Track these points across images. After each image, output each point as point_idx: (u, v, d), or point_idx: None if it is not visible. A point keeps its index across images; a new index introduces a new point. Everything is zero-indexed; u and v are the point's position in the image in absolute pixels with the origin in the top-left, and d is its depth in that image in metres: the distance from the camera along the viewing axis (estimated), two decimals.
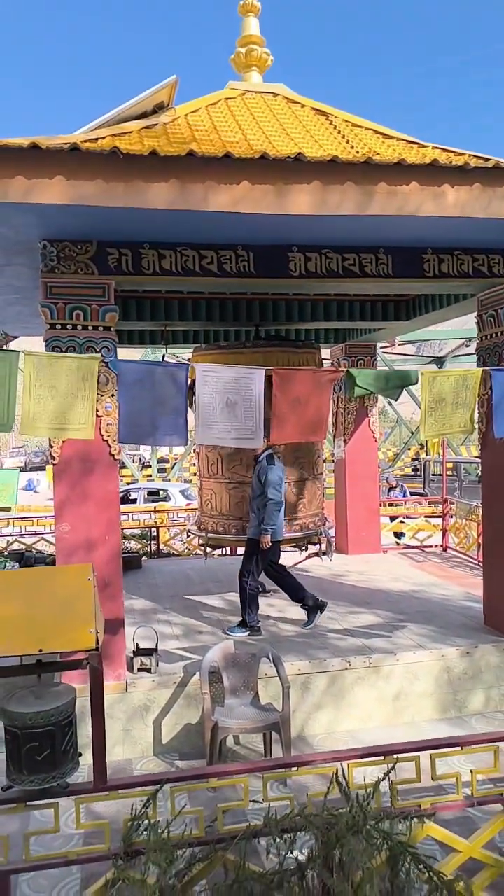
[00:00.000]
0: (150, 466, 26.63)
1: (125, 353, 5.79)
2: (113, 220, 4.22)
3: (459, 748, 3.11)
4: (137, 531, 10.56)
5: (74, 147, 3.77)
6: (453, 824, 3.35)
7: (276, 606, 6.49)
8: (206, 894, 2.88)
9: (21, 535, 10.82)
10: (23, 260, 4.89)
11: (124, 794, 2.82)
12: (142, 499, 15.84)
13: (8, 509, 15.12)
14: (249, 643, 4.98)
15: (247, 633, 5.57)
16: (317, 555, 7.01)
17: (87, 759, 3.18)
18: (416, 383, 4.07)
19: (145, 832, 2.76)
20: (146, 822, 2.75)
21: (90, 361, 3.13)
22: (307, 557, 7.37)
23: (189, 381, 3.54)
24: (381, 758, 2.97)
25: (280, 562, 5.97)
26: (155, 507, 12.37)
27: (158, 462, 26.29)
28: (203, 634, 5.68)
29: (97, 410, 4.50)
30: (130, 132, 4.68)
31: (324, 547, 6.65)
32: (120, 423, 3.24)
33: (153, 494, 16.37)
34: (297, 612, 6.19)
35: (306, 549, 7.01)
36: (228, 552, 9.10)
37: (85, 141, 4.03)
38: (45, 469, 30.46)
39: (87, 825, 2.85)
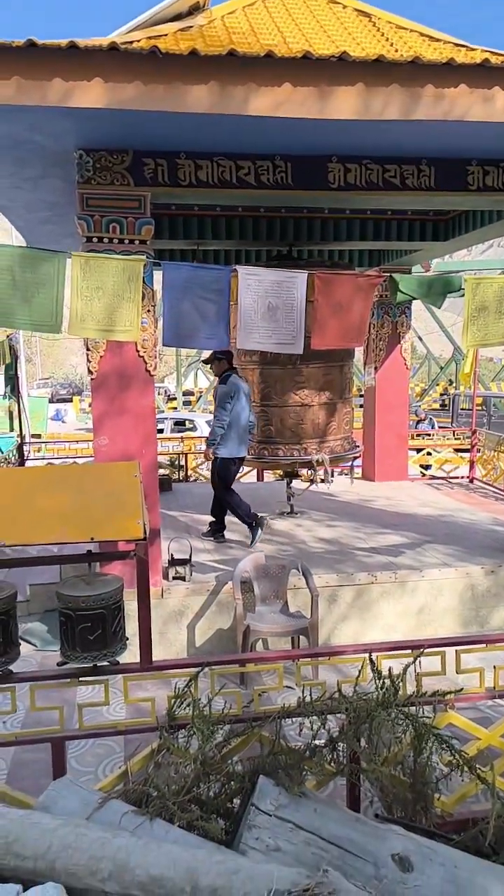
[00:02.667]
0: (175, 399, 26.83)
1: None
2: (150, 127, 4.15)
3: (484, 645, 3.26)
4: (166, 459, 10.78)
5: (113, 47, 3.68)
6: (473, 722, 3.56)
7: (304, 526, 6.67)
8: (242, 765, 3.12)
9: (53, 460, 11.10)
10: (58, 172, 4.84)
11: (168, 674, 3.03)
12: (168, 429, 16.08)
13: (39, 436, 15.56)
14: (279, 556, 5.17)
15: (259, 531, 5.92)
16: (312, 481, 6.95)
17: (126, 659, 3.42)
18: (459, 289, 4.03)
19: (187, 709, 2.99)
20: (188, 699, 2.98)
21: (136, 263, 3.16)
22: (308, 486, 7.30)
23: None
24: (409, 651, 3.13)
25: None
26: (182, 437, 12.56)
27: (184, 395, 26.44)
28: (233, 549, 5.89)
29: None
30: (166, 34, 4.53)
31: (321, 474, 6.62)
32: (164, 326, 3.30)
33: (179, 424, 16.59)
34: (327, 531, 6.38)
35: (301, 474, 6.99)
36: (256, 478, 9.27)
37: (122, 42, 3.93)
38: (71, 400, 30.83)
39: (134, 700, 3.07)
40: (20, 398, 9.48)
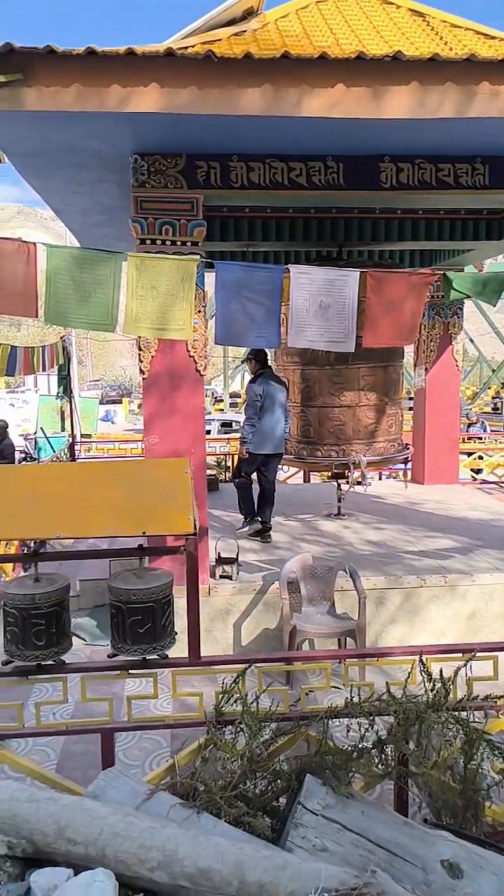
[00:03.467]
0: (222, 400, 27.02)
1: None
2: (204, 131, 4.21)
3: None
4: (213, 460, 10.87)
5: (169, 52, 3.75)
6: None
7: (351, 528, 6.62)
8: (289, 764, 3.12)
9: (102, 460, 11.30)
10: (113, 176, 4.96)
11: (216, 670, 3.05)
12: (215, 430, 16.21)
13: (89, 436, 15.89)
14: (326, 558, 5.15)
15: (252, 527, 6.18)
16: (348, 483, 6.85)
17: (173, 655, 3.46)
18: None
19: (234, 705, 3.01)
20: (236, 696, 3.00)
21: (189, 263, 3.21)
22: (349, 488, 7.18)
23: None
24: (460, 654, 3.08)
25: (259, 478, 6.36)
26: (229, 438, 12.64)
27: (231, 396, 26.60)
28: (279, 549, 5.89)
29: None
30: (220, 39, 4.59)
31: (357, 476, 6.54)
32: (216, 325, 3.35)
33: (226, 426, 16.71)
34: (374, 533, 6.33)
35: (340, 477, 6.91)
36: (302, 479, 9.26)
37: (178, 48, 4.00)
38: (120, 402, 31.38)
39: (182, 695, 3.11)
40: (72, 399, 9.71)
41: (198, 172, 4.61)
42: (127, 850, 2.18)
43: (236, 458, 10.49)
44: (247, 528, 6.23)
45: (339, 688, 3.14)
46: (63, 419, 9.87)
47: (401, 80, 3.94)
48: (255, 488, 6.38)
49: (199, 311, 4.69)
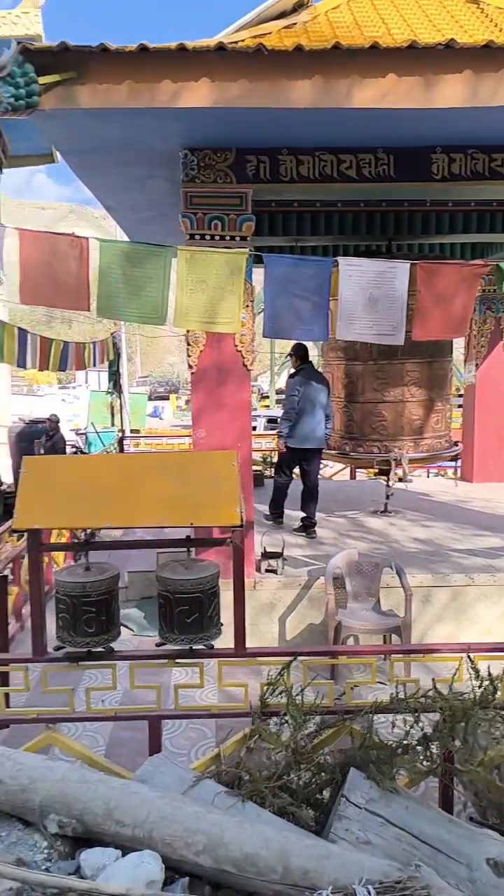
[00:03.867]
0: (268, 397, 27.05)
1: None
2: (254, 124, 4.22)
3: None
4: (259, 456, 10.89)
5: (220, 47, 3.77)
6: None
7: (398, 525, 6.55)
8: (333, 757, 3.12)
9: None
10: (163, 172, 5.02)
11: (261, 661, 3.07)
12: (261, 426, 16.23)
13: (137, 431, 16.16)
14: (372, 554, 5.11)
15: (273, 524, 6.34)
16: (390, 479, 6.77)
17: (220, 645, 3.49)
18: None
19: (279, 697, 3.02)
20: (280, 687, 3.01)
21: (238, 256, 3.24)
22: (392, 484, 7.09)
23: None
24: None
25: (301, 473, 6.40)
26: (274, 434, 12.61)
27: (277, 393, 26.59)
28: (325, 545, 5.87)
29: None
30: (270, 32, 4.59)
31: (399, 473, 6.45)
32: (265, 318, 3.36)
33: (272, 422, 16.71)
34: (421, 531, 6.25)
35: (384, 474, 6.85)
36: (348, 475, 9.19)
37: (229, 42, 4.01)
38: (168, 398, 31.77)
39: (227, 685, 3.14)
40: (122, 394, 9.88)
41: (247, 166, 4.63)
42: (173, 834, 2.22)
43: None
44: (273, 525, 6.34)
45: (384, 683, 3.12)
46: (113, 414, 10.07)
47: (454, 68, 3.86)
48: (298, 486, 6.41)
49: (247, 306, 4.71)
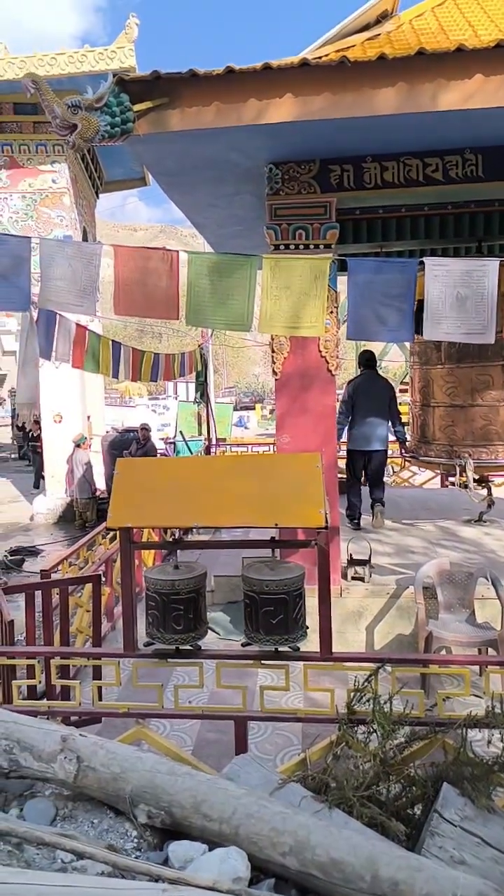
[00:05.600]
0: None
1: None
2: (337, 135, 4.25)
3: None
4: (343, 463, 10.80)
5: (304, 63, 3.84)
6: None
7: (493, 535, 6.30)
8: (424, 770, 3.03)
9: None
10: (249, 187, 5.14)
11: (347, 666, 3.04)
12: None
13: (224, 440, 16.43)
14: (465, 564, 4.94)
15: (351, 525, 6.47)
16: (454, 484, 6.81)
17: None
18: None
19: (366, 704, 2.98)
20: (368, 694, 2.96)
21: (321, 261, 3.28)
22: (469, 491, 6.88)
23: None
24: None
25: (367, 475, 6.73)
26: None
27: None
28: (415, 554, 5.74)
29: None
30: (354, 45, 4.63)
31: (462, 479, 6.22)
32: (349, 319, 3.37)
33: None
34: None
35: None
36: (439, 483, 8.95)
37: (312, 58, 4.08)
38: (254, 408, 32.14)
39: (313, 689, 3.14)
40: (209, 404, 10.11)
41: (331, 176, 4.67)
42: (259, 832, 2.23)
43: None
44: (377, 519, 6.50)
45: (479, 696, 3.01)
46: (200, 423, 10.31)
47: None
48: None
49: (332, 312, 4.73)
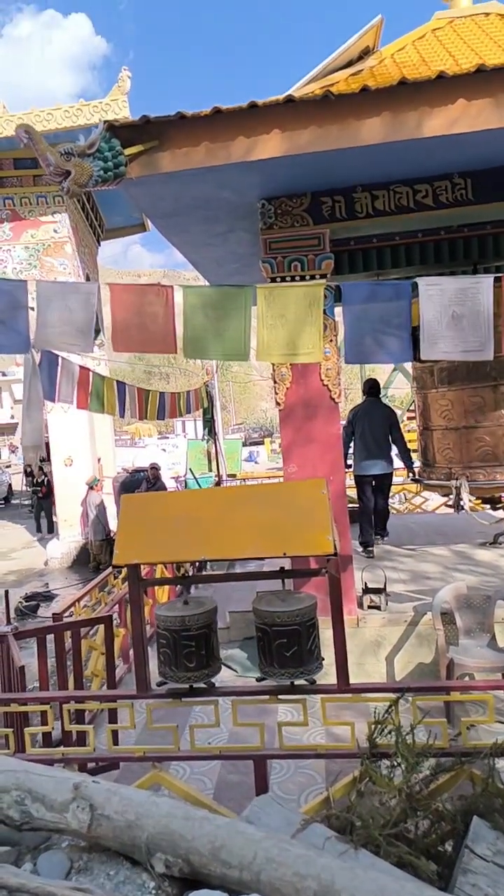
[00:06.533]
0: None
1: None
2: (326, 167, 4.33)
3: None
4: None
5: (289, 99, 3.94)
6: None
7: None
8: (452, 804, 2.91)
9: None
10: (243, 224, 5.23)
11: (367, 698, 2.95)
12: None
13: (234, 475, 16.41)
14: (483, 588, 4.83)
15: (366, 551, 6.51)
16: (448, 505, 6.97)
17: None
18: None
19: (388, 737, 2.87)
20: (389, 726, 2.86)
21: (315, 288, 3.30)
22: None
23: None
24: None
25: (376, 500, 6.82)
26: None
27: None
28: (430, 580, 5.63)
29: None
30: (338, 81, 4.74)
31: (454, 499, 6.18)
32: (346, 345, 3.37)
33: None
34: None
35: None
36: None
37: (298, 96, 4.19)
38: (263, 443, 32.20)
39: (333, 723, 3.04)
40: (217, 440, 10.13)
41: (323, 208, 4.74)
42: (282, 878, 2.13)
43: None
44: (365, 551, 6.56)
45: None
46: (210, 460, 10.31)
47: None
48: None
49: (331, 341, 4.75)
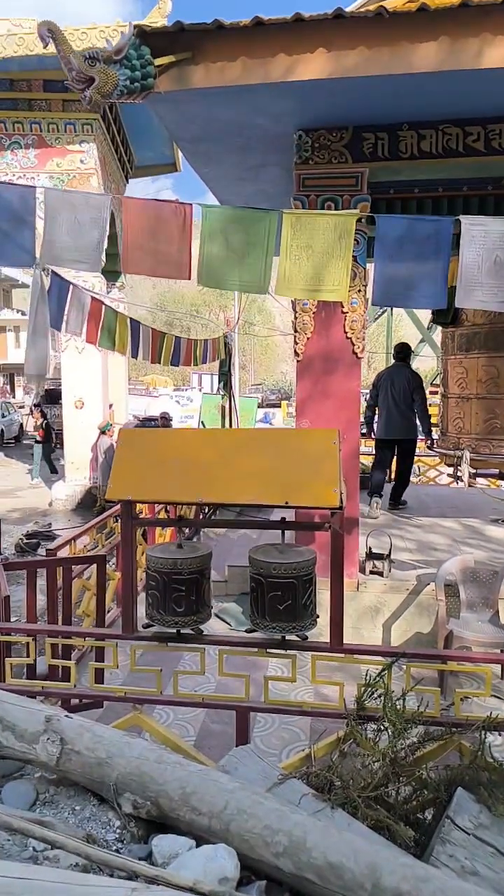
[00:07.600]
0: None
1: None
2: (372, 97, 4.01)
3: None
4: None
5: (338, 14, 3.60)
6: None
7: None
8: (437, 773, 2.80)
9: None
10: (276, 158, 4.91)
11: (359, 659, 2.82)
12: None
13: None
14: (491, 563, 4.66)
15: (370, 503, 6.41)
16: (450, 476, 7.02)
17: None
18: None
19: (377, 700, 2.75)
20: (380, 690, 2.74)
21: (347, 219, 3.03)
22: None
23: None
24: None
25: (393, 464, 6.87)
26: None
27: None
28: (437, 551, 5.47)
29: (342, 306, 4.44)
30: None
31: (454, 470, 6.21)
32: (375, 284, 3.13)
33: None
34: None
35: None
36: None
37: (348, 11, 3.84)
38: (279, 406, 31.91)
39: (321, 682, 2.92)
40: (232, 395, 9.91)
41: (364, 145, 4.42)
42: (252, 830, 2.03)
43: None
44: (368, 506, 6.45)
45: (499, 698, 2.76)
46: (223, 416, 10.11)
47: None
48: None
49: (360, 291, 4.49)
